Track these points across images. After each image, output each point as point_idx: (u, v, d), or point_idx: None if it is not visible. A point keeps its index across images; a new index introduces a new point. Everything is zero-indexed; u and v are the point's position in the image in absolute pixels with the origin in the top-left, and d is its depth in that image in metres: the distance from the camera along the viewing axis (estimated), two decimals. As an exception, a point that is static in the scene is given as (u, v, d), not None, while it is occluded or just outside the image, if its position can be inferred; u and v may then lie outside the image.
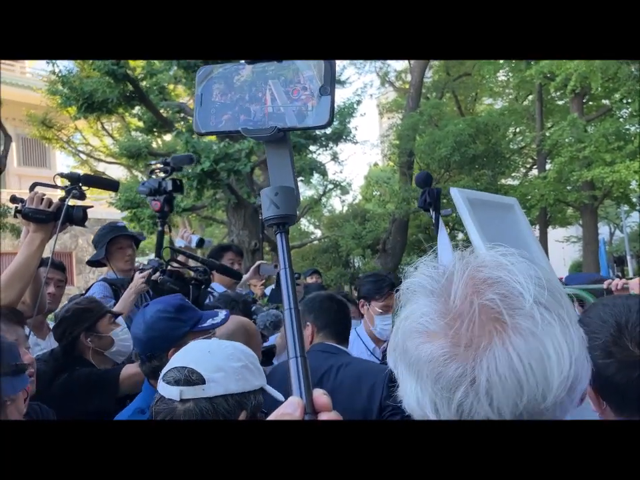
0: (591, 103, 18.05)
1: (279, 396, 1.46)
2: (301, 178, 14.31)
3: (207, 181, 9.32)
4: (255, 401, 1.43)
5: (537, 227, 18.61)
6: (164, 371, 1.47)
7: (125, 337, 2.57)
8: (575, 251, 22.47)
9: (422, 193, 3.22)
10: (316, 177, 16.60)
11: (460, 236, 18.87)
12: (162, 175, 2.92)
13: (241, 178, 10.28)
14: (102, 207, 16.44)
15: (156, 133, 13.03)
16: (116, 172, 18.36)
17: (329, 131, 12.59)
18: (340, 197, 23.53)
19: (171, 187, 2.87)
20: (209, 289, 2.70)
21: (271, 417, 0.62)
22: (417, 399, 0.65)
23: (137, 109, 12.17)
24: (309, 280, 6.64)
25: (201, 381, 1.38)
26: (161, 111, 11.32)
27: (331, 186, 17.58)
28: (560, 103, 18.83)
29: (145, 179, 15.42)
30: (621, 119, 16.88)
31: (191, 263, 3.03)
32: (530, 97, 18.92)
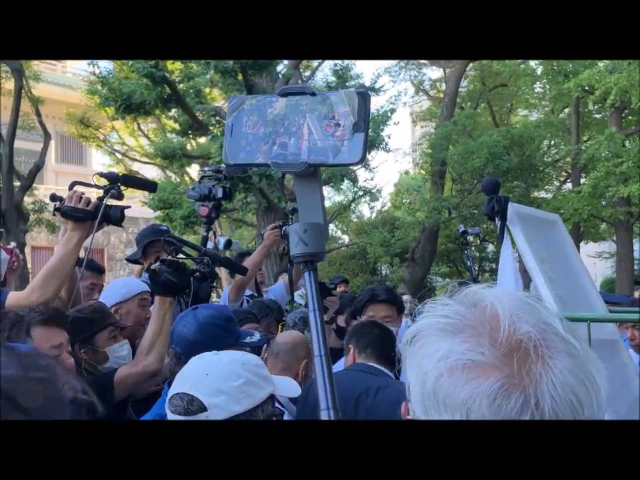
0: (630, 117, 17.68)
1: (286, 402, 1.42)
2: (331, 184, 14.33)
3: (239, 184, 9.41)
4: (263, 414, 1.37)
5: (570, 241, 18.27)
6: (170, 393, 1.41)
7: (122, 355, 2.47)
8: (607, 267, 21.96)
9: (489, 200, 3.13)
10: (346, 183, 16.61)
11: (490, 247, 18.62)
12: (213, 182, 2.97)
13: (272, 182, 10.35)
14: (135, 206, 16.70)
15: (191, 136, 13.19)
16: (150, 172, 18.65)
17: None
18: (369, 204, 23.46)
19: (220, 195, 2.92)
20: (212, 284, 2.60)
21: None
22: None
23: (173, 111, 12.35)
24: (337, 289, 6.63)
25: (202, 408, 1.32)
26: (197, 114, 11.47)
27: (360, 192, 17.55)
28: (597, 116, 18.50)
29: (178, 179, 15.58)
30: (661, 135, 16.50)
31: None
32: (566, 110, 18.62)
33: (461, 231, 6.57)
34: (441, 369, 0.64)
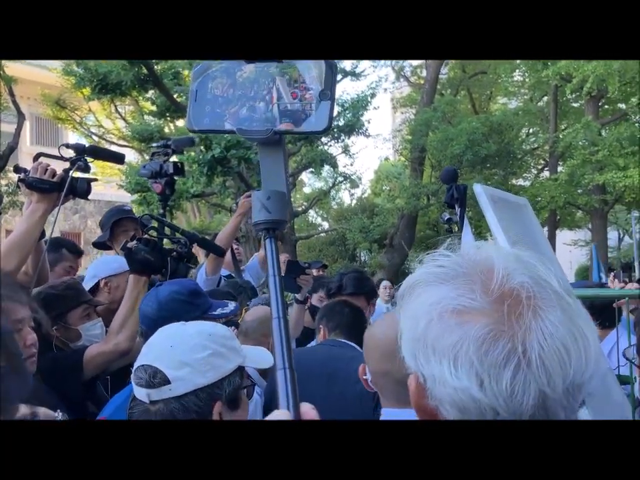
0: (606, 106, 17.90)
1: (257, 377, 1.41)
2: (311, 169, 14.31)
3: (217, 167, 9.34)
4: (230, 387, 1.35)
5: (546, 228, 18.51)
6: (135, 365, 1.38)
7: (95, 333, 2.42)
8: (582, 255, 22.34)
9: (449, 189, 3.17)
10: (326, 169, 16.58)
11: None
12: (163, 157, 2.88)
13: (252, 166, 10.29)
14: (112, 190, 16.50)
15: (169, 118, 13.03)
16: (127, 155, 18.33)
17: (341, 122, 12.56)
18: (349, 190, 23.50)
19: (172, 170, 2.83)
20: (190, 264, 2.57)
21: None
22: (454, 385, 0.63)
23: (150, 93, 12.18)
24: (315, 273, 6.60)
25: (165, 381, 1.30)
26: (175, 95, 11.32)
27: (340, 178, 17.54)
28: (575, 105, 18.69)
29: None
30: (636, 124, 16.73)
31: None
32: (545, 98, 18.78)
33: (446, 218, 6.59)
34: (432, 314, 0.65)
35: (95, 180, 2.52)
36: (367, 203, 20.95)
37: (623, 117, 16.75)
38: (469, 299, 0.64)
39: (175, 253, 2.49)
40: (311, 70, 0.82)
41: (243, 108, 0.84)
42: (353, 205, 22.30)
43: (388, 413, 1.45)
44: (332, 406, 1.73)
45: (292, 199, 18.78)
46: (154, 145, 3.10)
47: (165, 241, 2.68)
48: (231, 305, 2.07)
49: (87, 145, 2.49)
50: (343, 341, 2.41)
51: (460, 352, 0.62)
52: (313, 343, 3.04)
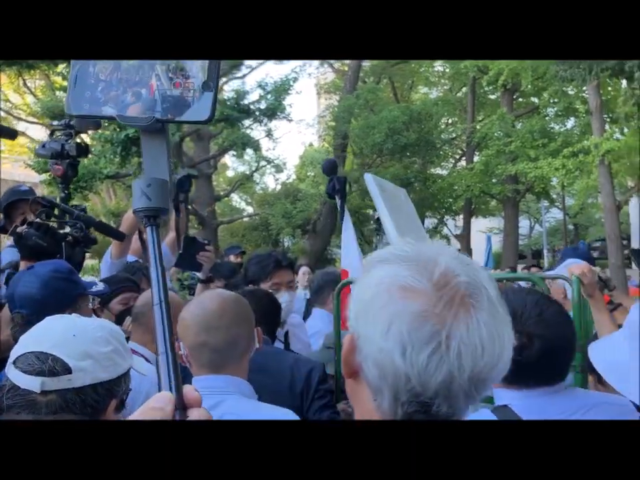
0: (520, 99, 18.70)
1: (142, 371, 1.40)
2: (232, 152, 14.08)
3: (132, 147, 8.99)
4: (125, 385, 1.33)
5: (462, 216, 19.20)
6: (15, 353, 1.29)
7: None
8: (496, 242, 23.38)
9: (330, 180, 3.24)
10: (250, 153, 16.39)
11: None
12: (65, 137, 2.71)
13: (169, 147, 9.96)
14: (20, 169, 15.58)
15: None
16: (38, 132, 17.41)
17: (263, 105, 12.42)
18: (274, 175, 23.39)
19: (75, 152, 2.67)
20: (86, 249, 2.45)
21: (139, 411, 0.62)
22: (381, 346, 0.72)
23: (61, 68, 11.54)
24: (233, 259, 6.47)
25: (66, 370, 1.23)
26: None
27: (263, 162, 17.40)
28: (492, 97, 19.40)
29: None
30: (547, 118, 17.60)
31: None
32: (464, 90, 19.38)
33: (376, 217, 6.72)
34: (382, 285, 0.75)
35: None
36: (291, 188, 20.92)
37: (535, 110, 17.57)
38: (416, 280, 0.73)
39: (69, 237, 2.37)
40: (194, 61, 0.84)
41: (125, 94, 0.84)
42: (277, 190, 22.21)
43: (202, 380, 1.55)
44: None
45: (214, 183, 18.45)
46: (54, 122, 2.89)
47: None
48: (100, 285, 2.05)
49: None
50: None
51: (394, 321, 0.71)
52: None
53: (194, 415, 0.63)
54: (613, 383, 1.26)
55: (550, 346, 1.39)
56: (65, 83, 12.84)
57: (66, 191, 2.72)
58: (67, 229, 2.44)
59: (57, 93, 14.67)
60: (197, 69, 0.84)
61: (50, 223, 2.32)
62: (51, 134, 2.77)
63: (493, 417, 1.35)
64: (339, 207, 3.04)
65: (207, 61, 0.84)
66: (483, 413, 1.41)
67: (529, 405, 1.39)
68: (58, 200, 2.60)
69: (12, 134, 2.57)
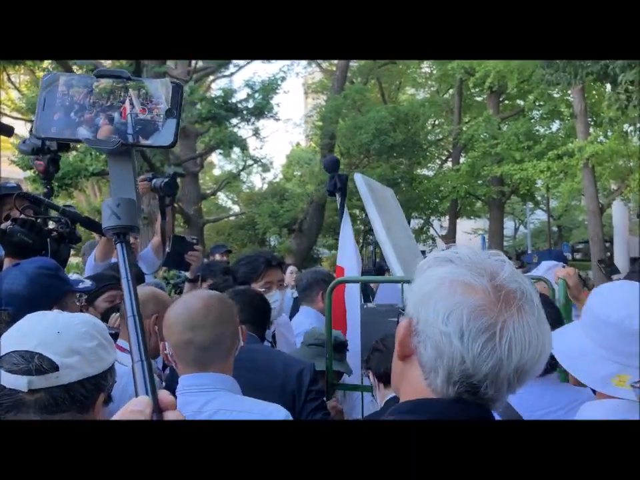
0: (506, 102, 18.84)
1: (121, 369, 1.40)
2: (219, 151, 14.02)
3: (118, 145, 8.91)
4: (111, 379, 1.33)
5: (447, 217, 19.30)
6: (2, 352, 1.28)
7: None
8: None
9: (331, 178, 3.24)
10: (237, 152, 16.32)
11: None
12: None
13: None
14: (4, 165, 15.38)
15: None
16: (22, 129, 17.20)
17: (250, 104, 12.39)
18: (261, 175, 23.33)
19: (55, 146, 2.65)
20: (72, 245, 2.44)
21: (119, 413, 0.66)
22: (441, 329, 0.82)
23: (47, 63, 11.42)
24: (219, 258, 6.44)
25: (53, 368, 1.23)
26: (74, 67, 10.67)
27: (250, 161, 17.35)
28: (478, 99, 19.53)
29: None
30: (533, 120, 17.75)
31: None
32: (450, 91, 19.48)
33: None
34: (446, 279, 0.86)
35: None
36: (277, 187, 20.88)
37: (521, 112, 17.71)
38: (477, 279, 0.85)
39: (55, 233, 2.35)
40: (159, 89, 0.89)
41: (98, 117, 0.88)
42: (264, 189, 22.15)
43: (190, 378, 1.58)
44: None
45: (200, 181, 18.37)
46: (34, 118, 2.86)
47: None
48: (87, 282, 2.05)
49: None
50: (250, 334, 2.33)
51: (456, 310, 0.82)
52: None
53: (169, 416, 0.68)
54: (566, 366, 1.34)
55: None
56: (51, 79, 12.70)
57: (48, 187, 2.71)
58: (52, 225, 2.42)
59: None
60: (161, 96, 0.89)
61: (35, 219, 2.30)
62: (31, 129, 2.75)
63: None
64: (338, 205, 3.05)
65: (170, 91, 0.88)
66: None
67: (520, 399, 1.44)
68: (41, 195, 2.59)
69: (9, 130, 2.55)
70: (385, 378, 2.00)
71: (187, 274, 3.05)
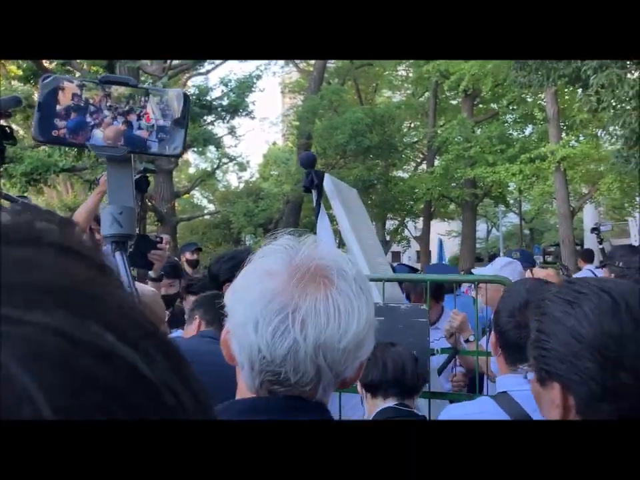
0: (480, 105, 19.04)
1: None
2: (193, 148, 13.89)
3: (89, 140, 8.76)
4: None
5: (422, 219, 19.44)
6: None
7: None
8: (455, 245, 23.74)
9: (307, 174, 3.20)
10: (212, 150, 16.21)
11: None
12: None
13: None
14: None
15: (33, 83, 12.05)
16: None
17: (225, 102, 12.31)
18: (237, 173, 23.21)
19: None
20: None
21: None
22: (240, 321, 0.80)
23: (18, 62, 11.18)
24: (189, 256, 6.34)
25: None
26: (44, 61, 10.47)
27: (225, 160, 17.24)
28: (453, 102, 19.70)
29: (22, 132, 14.25)
30: (506, 124, 17.98)
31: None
32: (426, 94, 19.62)
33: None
34: (250, 270, 0.85)
35: None
36: (253, 186, 20.79)
37: (495, 116, 17.91)
38: (277, 264, 0.82)
39: None
40: (174, 98, 0.90)
41: (115, 121, 0.89)
42: (240, 188, 22.03)
43: None
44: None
45: (175, 179, 18.19)
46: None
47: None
48: None
49: None
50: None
51: (254, 300, 0.79)
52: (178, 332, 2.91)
53: None
54: None
55: None
56: (21, 73, 12.48)
57: None
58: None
59: (13, 82, 14.22)
60: (175, 104, 0.90)
61: None
62: None
63: (493, 403, 1.37)
64: (314, 202, 3.01)
65: (182, 101, 0.89)
66: (484, 400, 1.49)
67: (529, 393, 1.44)
68: None
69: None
70: (372, 388, 1.92)
71: (151, 273, 2.98)
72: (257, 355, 0.78)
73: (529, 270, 3.21)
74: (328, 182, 2.94)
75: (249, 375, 0.81)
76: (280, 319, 0.77)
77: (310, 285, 0.79)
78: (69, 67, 10.77)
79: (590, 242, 18.68)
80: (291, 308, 0.78)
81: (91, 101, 0.88)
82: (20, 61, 11.37)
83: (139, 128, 0.89)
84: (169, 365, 0.24)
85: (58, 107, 0.87)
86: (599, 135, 13.11)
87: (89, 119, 0.88)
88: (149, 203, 11.71)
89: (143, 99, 0.89)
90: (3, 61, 13.43)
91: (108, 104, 0.88)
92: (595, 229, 7.65)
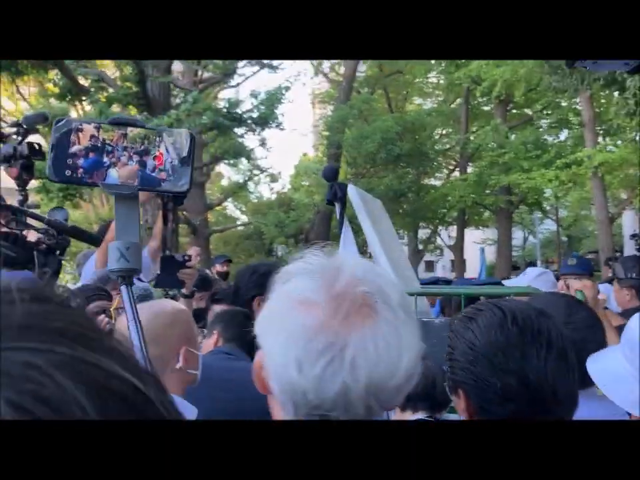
0: (514, 110, 18.74)
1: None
2: (225, 160, 14.01)
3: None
4: None
5: (455, 227, 19.17)
6: None
7: None
8: (491, 254, 23.36)
9: (331, 186, 3.18)
10: (245, 162, 16.34)
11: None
12: (18, 138, 2.63)
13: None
14: (4, 175, 15.49)
15: (69, 100, 12.35)
16: (30, 139, 17.33)
17: (255, 114, 12.39)
18: (269, 185, 23.36)
19: (27, 152, 2.59)
20: (62, 256, 2.39)
21: None
22: (279, 361, 0.74)
23: (52, 74, 11.51)
24: (219, 268, 6.37)
25: None
26: (79, 78, 10.72)
27: (257, 171, 17.36)
28: (485, 108, 19.44)
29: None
30: (540, 129, 17.64)
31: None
32: (458, 101, 19.41)
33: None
34: (282, 300, 0.78)
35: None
36: (285, 197, 20.88)
37: (529, 121, 17.60)
38: (314, 293, 0.75)
39: (43, 245, 2.32)
40: (183, 137, 0.94)
41: (130, 160, 0.93)
42: (272, 199, 22.17)
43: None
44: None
45: (208, 191, 18.40)
46: (3, 126, 2.84)
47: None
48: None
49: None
50: (236, 349, 2.23)
51: (291, 335, 0.73)
52: None
53: None
54: (607, 393, 1.27)
55: (577, 349, 1.40)
56: (57, 90, 12.82)
57: (23, 193, 2.66)
58: (37, 237, 2.38)
59: (51, 100, 14.63)
60: (178, 143, 0.94)
61: (20, 232, 2.26)
62: (3, 138, 2.70)
63: None
64: (337, 215, 2.97)
65: (188, 139, 0.93)
66: None
67: None
68: (16, 203, 2.53)
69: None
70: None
71: (184, 290, 2.98)
72: (302, 397, 0.72)
73: (562, 280, 3.08)
74: (353, 193, 2.89)
75: (293, 413, 0.75)
76: (327, 360, 0.71)
77: (354, 317, 0.72)
78: (102, 84, 11.00)
79: (629, 249, 18.13)
80: (337, 347, 0.71)
81: (108, 141, 0.93)
82: (56, 79, 11.67)
83: (153, 167, 0.93)
84: (154, 380, 0.33)
85: (73, 148, 0.92)
86: (637, 139, 12.72)
87: (105, 159, 0.92)
88: (182, 215, 11.83)
89: (157, 139, 0.93)
90: (41, 79, 13.83)
91: (124, 144, 0.92)
92: (635, 236, 7.40)
